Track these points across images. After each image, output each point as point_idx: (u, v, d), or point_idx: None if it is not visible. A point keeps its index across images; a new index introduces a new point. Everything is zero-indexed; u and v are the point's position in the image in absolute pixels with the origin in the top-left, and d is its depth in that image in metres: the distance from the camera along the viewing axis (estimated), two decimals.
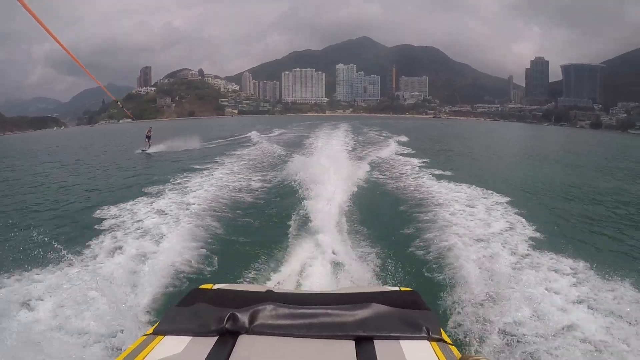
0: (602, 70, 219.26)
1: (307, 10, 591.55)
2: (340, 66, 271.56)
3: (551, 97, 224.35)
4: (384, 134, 40.01)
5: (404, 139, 34.66)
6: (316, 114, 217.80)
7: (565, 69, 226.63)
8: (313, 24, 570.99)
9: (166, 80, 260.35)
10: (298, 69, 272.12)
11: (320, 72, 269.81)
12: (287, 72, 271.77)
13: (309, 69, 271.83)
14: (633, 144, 60.32)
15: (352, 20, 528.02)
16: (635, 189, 15.94)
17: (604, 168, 23.36)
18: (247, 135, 37.65)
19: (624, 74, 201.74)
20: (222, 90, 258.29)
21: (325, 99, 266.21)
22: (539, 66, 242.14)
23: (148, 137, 29.12)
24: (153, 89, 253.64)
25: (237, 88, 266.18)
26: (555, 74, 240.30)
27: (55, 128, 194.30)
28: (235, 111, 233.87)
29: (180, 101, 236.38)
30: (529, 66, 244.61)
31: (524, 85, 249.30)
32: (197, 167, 17.50)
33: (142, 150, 28.30)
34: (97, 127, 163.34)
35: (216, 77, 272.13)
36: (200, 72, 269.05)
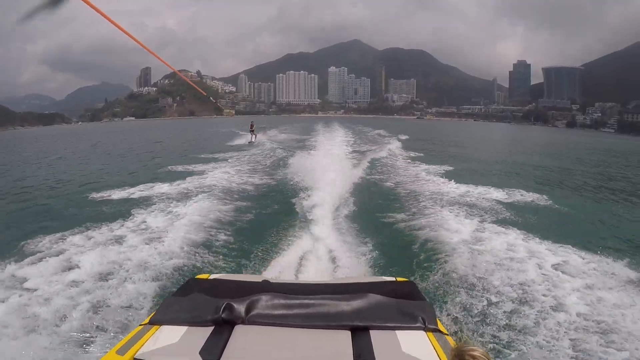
0: (581, 72, 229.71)
1: (297, 13, 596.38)
2: (332, 69, 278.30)
3: (533, 99, 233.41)
4: (358, 127, 50.86)
5: (382, 131, 42.67)
6: (309, 114, 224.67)
7: (546, 71, 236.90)
8: (304, 27, 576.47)
9: (166, 81, 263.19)
10: (292, 72, 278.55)
11: (312, 75, 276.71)
12: (281, 75, 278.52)
13: (302, 71, 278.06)
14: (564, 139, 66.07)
15: (342, 23, 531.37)
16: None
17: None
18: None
19: (602, 76, 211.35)
20: (219, 91, 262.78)
21: (318, 101, 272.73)
22: (521, 69, 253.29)
23: (252, 131, 31.05)
24: (154, 89, 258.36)
25: (234, 89, 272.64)
26: (537, 76, 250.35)
27: (72, 123, 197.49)
28: (233, 111, 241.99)
29: (181, 101, 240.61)
30: (512, 69, 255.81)
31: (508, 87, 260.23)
32: (197, 161, 17.74)
33: (250, 142, 29.09)
34: (104, 124, 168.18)
35: (213, 78, 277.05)
36: (199, 73, 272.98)
